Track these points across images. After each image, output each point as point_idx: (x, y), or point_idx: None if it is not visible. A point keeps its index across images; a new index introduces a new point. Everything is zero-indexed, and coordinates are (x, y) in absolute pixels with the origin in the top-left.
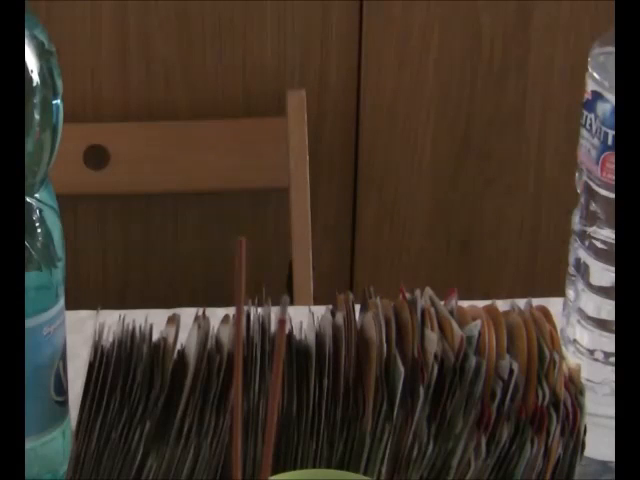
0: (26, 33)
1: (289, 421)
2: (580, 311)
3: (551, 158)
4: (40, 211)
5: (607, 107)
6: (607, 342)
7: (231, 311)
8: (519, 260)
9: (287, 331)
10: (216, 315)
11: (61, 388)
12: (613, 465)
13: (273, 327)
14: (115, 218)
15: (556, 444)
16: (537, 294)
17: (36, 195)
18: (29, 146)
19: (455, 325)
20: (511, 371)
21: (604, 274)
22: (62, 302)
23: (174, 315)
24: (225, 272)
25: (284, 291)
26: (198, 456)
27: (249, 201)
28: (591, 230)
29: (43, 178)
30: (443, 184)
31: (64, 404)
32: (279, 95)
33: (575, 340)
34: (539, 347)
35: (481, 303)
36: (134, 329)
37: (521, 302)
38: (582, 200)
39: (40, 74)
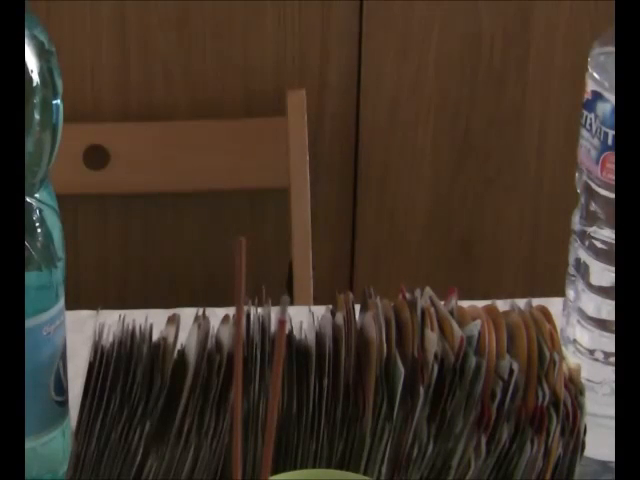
0: (26, 33)
1: (289, 421)
2: (580, 311)
3: (551, 158)
4: (40, 211)
5: (607, 107)
6: (607, 342)
7: (231, 311)
8: (519, 260)
9: (287, 331)
10: (216, 315)
11: (61, 388)
12: (613, 465)
13: (273, 327)
14: (115, 218)
15: (556, 444)
16: (537, 294)
17: (36, 195)
18: (29, 146)
19: (455, 325)
20: (511, 371)
21: (604, 274)
22: (62, 302)
23: (174, 315)
24: (225, 272)
25: (284, 291)
26: (198, 456)
27: (249, 201)
28: (591, 230)
29: (43, 178)
30: (443, 184)
31: (64, 404)
32: (279, 95)
33: (575, 340)
34: (539, 347)
35: (481, 303)
36: (134, 329)
37: (521, 302)
38: (582, 200)
39: (40, 74)
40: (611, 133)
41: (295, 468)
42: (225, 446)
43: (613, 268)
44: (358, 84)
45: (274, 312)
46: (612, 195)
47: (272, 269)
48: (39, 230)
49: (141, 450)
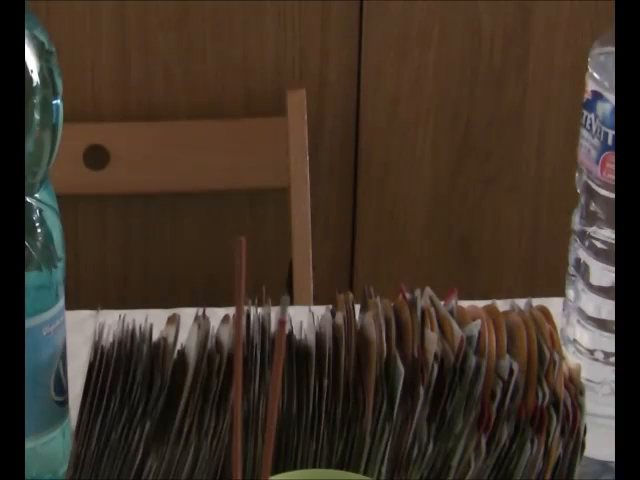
0: (26, 33)
1: (289, 421)
2: (580, 311)
3: (551, 158)
4: (40, 211)
5: (607, 107)
6: (607, 342)
7: (231, 311)
8: (519, 260)
9: (287, 331)
10: (216, 315)
11: (61, 388)
12: (613, 465)
13: (273, 327)
14: (115, 218)
15: (556, 444)
16: (537, 294)
17: (36, 195)
18: (29, 146)
19: (455, 325)
20: (511, 371)
21: (604, 274)
22: (62, 302)
23: (174, 315)
24: (225, 272)
25: (284, 291)
26: (198, 456)
27: (249, 201)
28: (591, 230)
29: (43, 178)
30: (443, 184)
31: (64, 404)
32: (279, 95)
33: (575, 340)
34: (539, 347)
35: (481, 303)
36: (134, 329)
37: (521, 302)
38: (582, 200)
39: (40, 74)
40: (611, 133)
41: (295, 468)
42: (225, 446)
43: (613, 268)
44: (358, 84)
45: (274, 312)
46: (612, 195)
47: (272, 269)
48: (39, 230)
49: (141, 450)
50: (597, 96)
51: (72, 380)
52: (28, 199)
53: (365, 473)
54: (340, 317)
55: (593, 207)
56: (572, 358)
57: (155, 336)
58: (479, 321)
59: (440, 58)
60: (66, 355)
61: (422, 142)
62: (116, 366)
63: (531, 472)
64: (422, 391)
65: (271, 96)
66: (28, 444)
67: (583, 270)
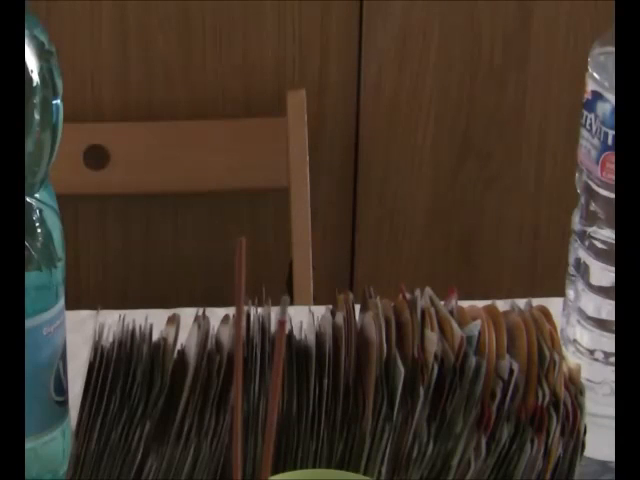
0: (26, 33)
1: (289, 421)
2: (580, 311)
3: (551, 158)
4: (40, 211)
5: (607, 107)
6: (607, 342)
7: (231, 311)
8: (519, 260)
9: (287, 331)
10: (216, 315)
11: (61, 388)
12: (613, 465)
13: (273, 327)
14: (115, 218)
15: (556, 444)
16: (537, 294)
17: (36, 195)
18: (29, 146)
19: (455, 325)
20: (511, 371)
21: (604, 274)
22: (62, 302)
23: (174, 315)
24: (225, 272)
25: (284, 291)
26: (198, 456)
27: (249, 201)
28: (591, 230)
29: (43, 178)
30: (443, 184)
31: (64, 404)
32: (279, 95)
33: (575, 340)
34: (539, 347)
35: (481, 303)
36: (134, 329)
37: (521, 302)
38: (582, 200)
39: (40, 74)
40: (611, 133)
41: (295, 468)
42: (225, 446)
43: (613, 268)
44: (358, 84)
45: (274, 312)
46: (612, 195)
47: (272, 269)
48: (39, 230)
49: (141, 450)
50: (597, 96)
51: (72, 380)
52: (28, 199)
53: (365, 473)
54: (340, 317)
55: (593, 207)
56: (572, 358)
57: (155, 336)
58: (479, 321)
59: (440, 58)
60: (66, 355)
61: (422, 142)
62: (116, 366)
63: (531, 472)
64: (422, 391)
65: (271, 96)
66: (28, 444)
67: (583, 270)
